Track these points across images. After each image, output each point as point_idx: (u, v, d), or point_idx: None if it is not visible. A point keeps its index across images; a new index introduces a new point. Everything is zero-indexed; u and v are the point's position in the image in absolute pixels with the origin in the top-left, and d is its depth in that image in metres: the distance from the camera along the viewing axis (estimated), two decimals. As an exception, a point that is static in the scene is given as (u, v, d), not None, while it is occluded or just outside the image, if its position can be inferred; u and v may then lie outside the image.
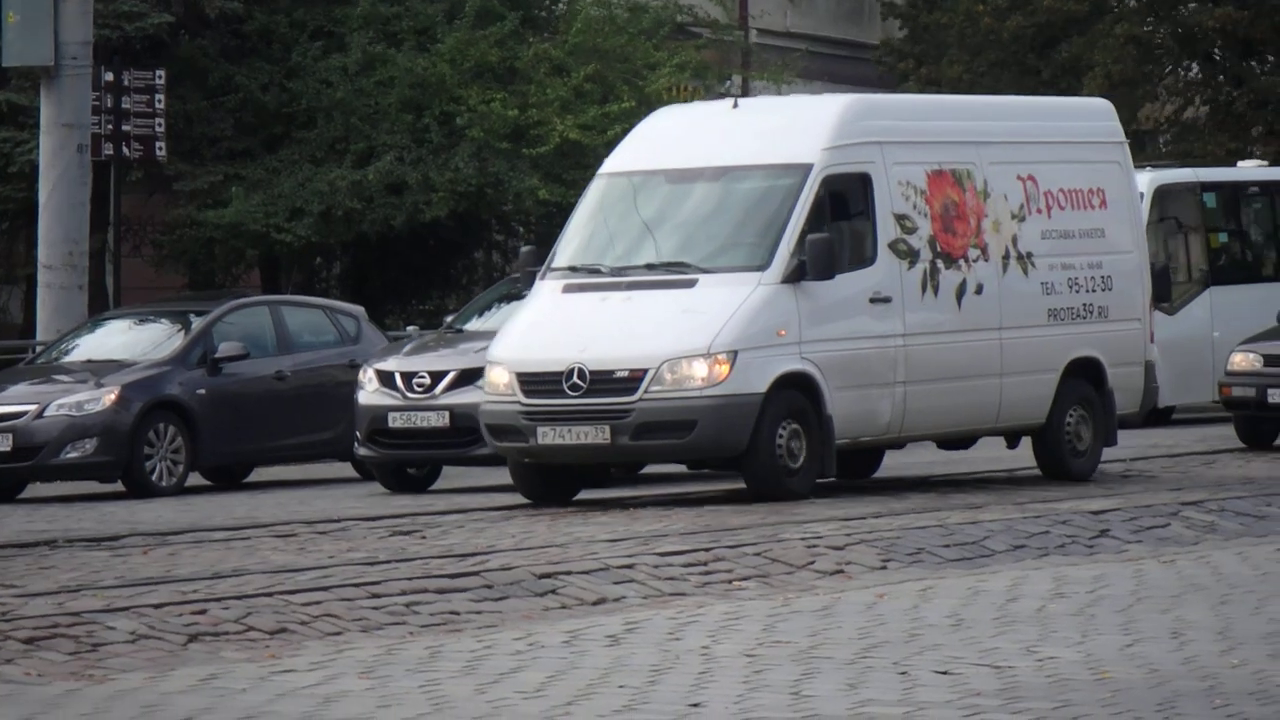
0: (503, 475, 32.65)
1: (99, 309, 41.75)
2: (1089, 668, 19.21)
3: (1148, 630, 21.00)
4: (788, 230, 29.91)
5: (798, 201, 30.09)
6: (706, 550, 26.30)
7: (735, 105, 33.58)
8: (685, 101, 59.44)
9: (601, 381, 29.39)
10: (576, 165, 54.98)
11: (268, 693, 18.64)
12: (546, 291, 31.27)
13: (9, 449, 34.35)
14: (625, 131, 55.56)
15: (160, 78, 47.82)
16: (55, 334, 39.58)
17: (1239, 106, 64.41)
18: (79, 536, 29.20)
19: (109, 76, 45.51)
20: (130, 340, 37.08)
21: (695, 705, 17.84)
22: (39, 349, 39.20)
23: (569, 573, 25.02)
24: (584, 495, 31.71)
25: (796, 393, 29.66)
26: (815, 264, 29.62)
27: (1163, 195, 47.32)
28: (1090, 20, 62.18)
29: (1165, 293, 45.22)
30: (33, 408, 34.21)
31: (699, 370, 29.14)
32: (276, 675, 19.53)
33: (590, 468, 31.73)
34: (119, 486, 35.15)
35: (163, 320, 37.90)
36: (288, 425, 31.87)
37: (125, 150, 46.40)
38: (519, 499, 32.33)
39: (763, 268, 29.92)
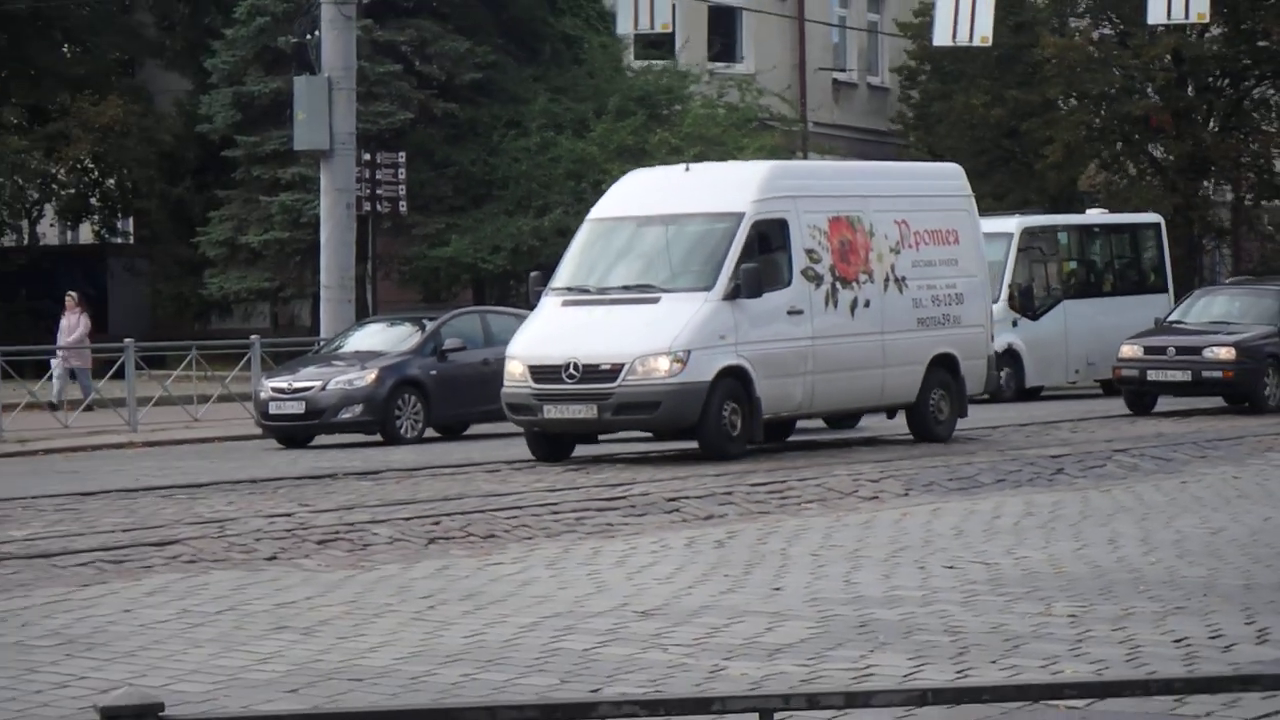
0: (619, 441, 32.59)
1: (361, 316, 41.74)
2: (1050, 564, 19.22)
3: (1091, 539, 20.97)
4: (726, 261, 29.66)
5: (733, 240, 29.87)
6: (782, 483, 26.40)
7: (687, 169, 33.10)
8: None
9: (590, 372, 29.20)
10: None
11: (483, 579, 18.75)
12: (550, 305, 30.84)
13: (302, 411, 34.50)
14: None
15: (402, 157, 47.85)
16: (332, 333, 39.61)
17: (1149, 174, 63.92)
18: (351, 471, 29.31)
19: (366, 156, 45.53)
20: (384, 337, 37.21)
21: (776, 589, 17.92)
22: (322, 343, 39.23)
23: (687, 498, 25.08)
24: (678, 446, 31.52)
25: (734, 381, 29.46)
26: (747, 286, 29.46)
27: (1029, 234, 46.98)
28: (1044, 109, 61.69)
29: (1029, 305, 45.60)
30: (318, 383, 34.35)
31: (662, 364, 29.07)
32: (488, 567, 19.60)
33: (582, 435, 30.97)
34: (378, 438, 35.14)
35: (406, 324, 37.98)
36: (491, 396, 31.71)
37: (378, 207, 46.43)
38: (640, 451, 32.13)
39: (708, 289, 29.64)
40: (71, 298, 45.83)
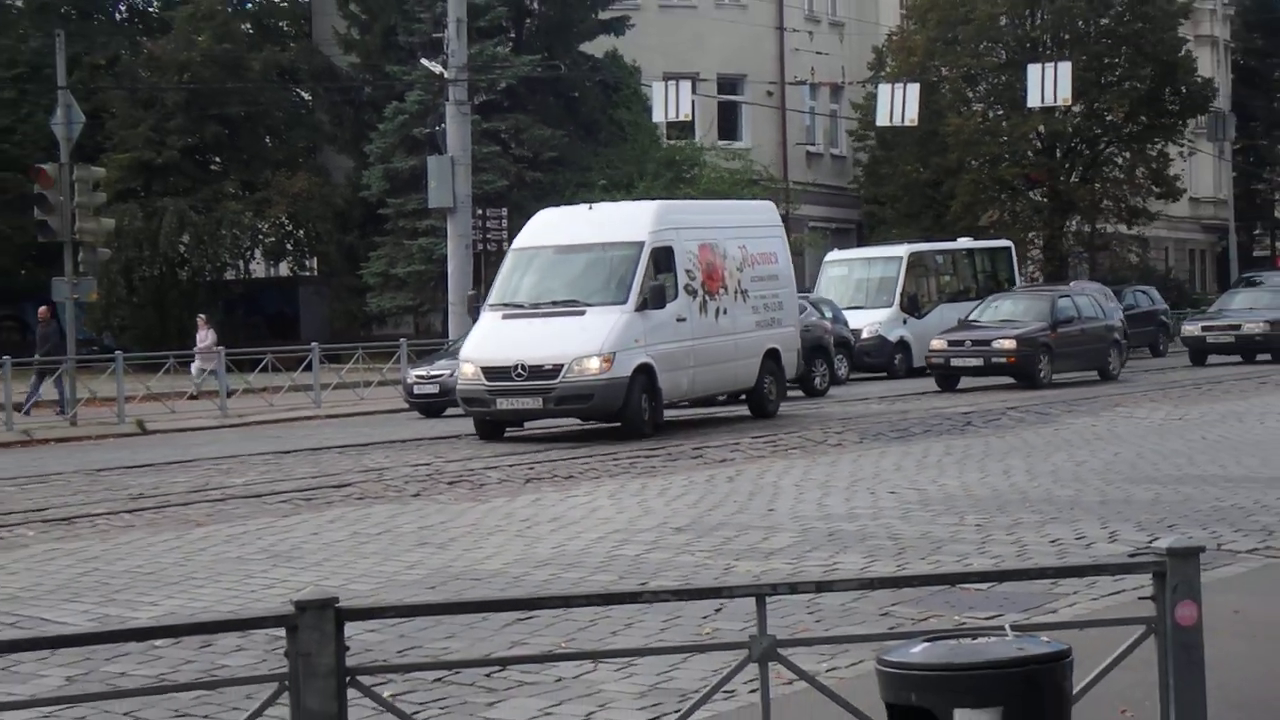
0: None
1: (475, 324, 41.61)
2: (963, 489, 19.16)
3: (991, 470, 20.91)
4: (635, 280, 27.40)
5: (638, 263, 27.57)
6: (772, 436, 26.36)
7: (591, 209, 30.44)
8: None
9: (535, 372, 26.66)
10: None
11: (564, 507, 18.71)
12: (492, 317, 28.11)
13: (437, 391, 34.15)
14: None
15: (504, 212, 47.56)
16: (457, 336, 39.44)
17: (1028, 214, 63.99)
18: (473, 433, 29.19)
19: (479, 211, 45.39)
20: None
21: (771, 510, 17.90)
22: (449, 343, 39.09)
23: (708, 448, 25.07)
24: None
25: (645, 375, 27.20)
26: (653, 300, 27.52)
27: (915, 256, 46.86)
28: (955, 170, 61.76)
29: (915, 307, 45.27)
30: (448, 371, 33.83)
31: (593, 364, 26.58)
32: (568, 498, 19.58)
33: (521, 420, 28.46)
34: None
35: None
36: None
37: (487, 247, 46.27)
38: (709, 417, 31.89)
39: (623, 303, 27.26)
40: (201, 318, 45.31)
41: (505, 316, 27.84)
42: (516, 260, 28.95)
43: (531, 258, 28.72)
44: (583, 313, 27.27)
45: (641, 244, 27.89)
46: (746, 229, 31.50)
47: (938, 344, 38.09)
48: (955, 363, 37.36)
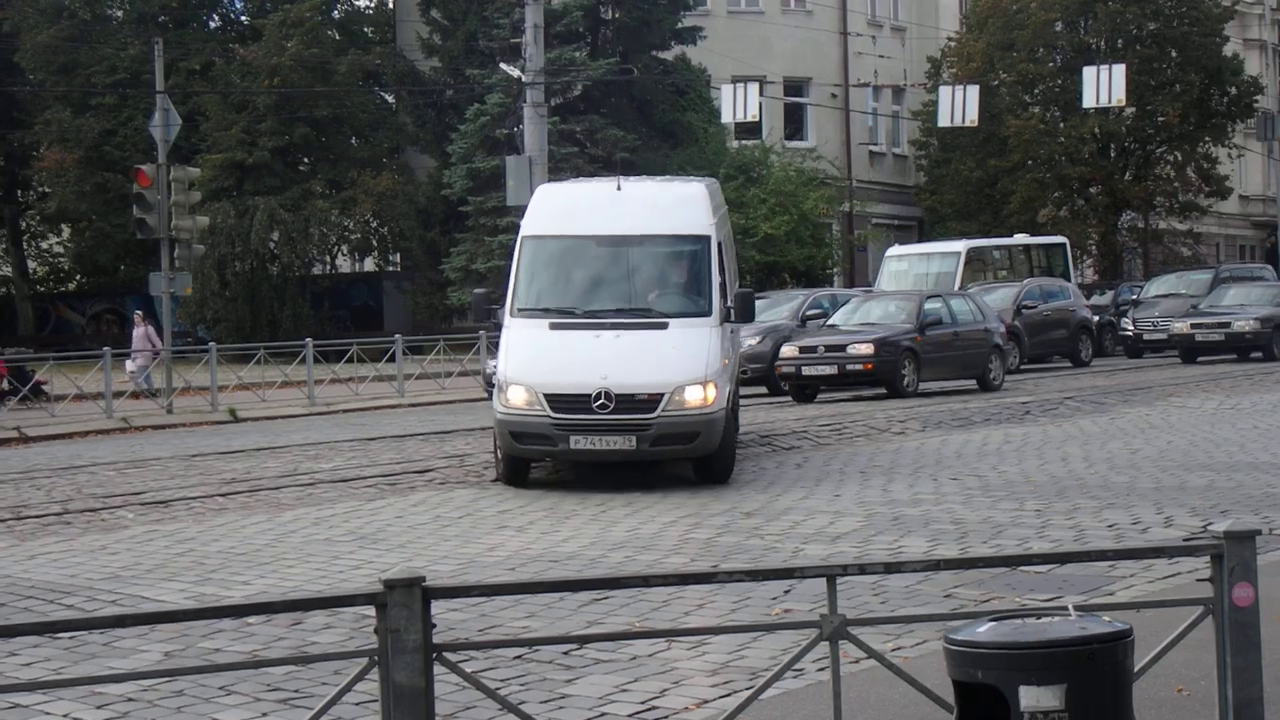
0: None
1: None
2: (1022, 475, 19.08)
3: (1050, 457, 20.80)
4: (713, 285, 20.31)
5: (710, 264, 20.51)
6: (839, 424, 26.19)
7: (619, 187, 21.75)
8: (824, 217, 59.47)
9: (626, 402, 18.93)
10: (770, 245, 54.91)
11: (639, 489, 18.69)
12: (531, 327, 20.11)
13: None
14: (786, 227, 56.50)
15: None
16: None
17: (1084, 211, 63.70)
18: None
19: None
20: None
21: (837, 495, 17.86)
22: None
23: (777, 435, 24.96)
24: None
25: (730, 406, 20.24)
26: (740, 311, 20.93)
27: (974, 252, 46.39)
28: (1014, 170, 61.54)
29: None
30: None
31: (696, 395, 19.09)
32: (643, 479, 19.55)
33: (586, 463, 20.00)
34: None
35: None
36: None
37: (564, 242, 46.15)
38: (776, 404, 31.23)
39: (707, 314, 20.04)
40: (138, 314, 42.78)
41: (555, 327, 20.12)
42: (536, 252, 21.00)
43: (560, 250, 21.12)
44: (664, 325, 20.03)
45: (707, 239, 20.83)
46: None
47: (789, 350, 32.01)
48: (807, 371, 31.45)
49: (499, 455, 20.57)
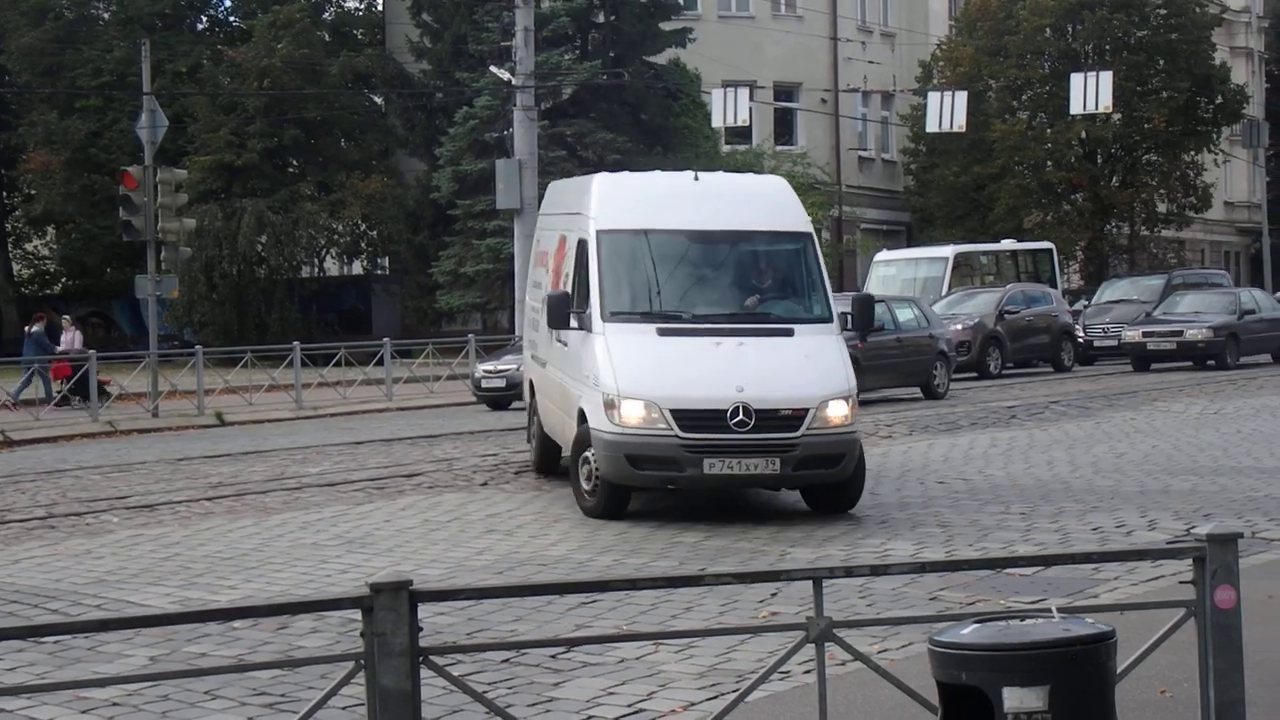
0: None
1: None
2: (1008, 479, 19.12)
3: (1035, 461, 20.86)
4: (828, 289, 18.17)
5: (818, 263, 18.18)
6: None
7: (697, 178, 18.96)
8: (815, 222, 59.40)
9: (767, 419, 16.21)
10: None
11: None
12: (632, 333, 17.17)
13: (504, 385, 33.94)
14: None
15: (567, 212, 47.38)
16: (523, 332, 39.40)
17: (1070, 217, 63.77)
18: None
19: (544, 212, 45.24)
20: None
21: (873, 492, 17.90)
22: (516, 338, 38.98)
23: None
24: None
25: None
26: (861, 317, 19.22)
27: (961, 258, 46.63)
28: (999, 176, 61.68)
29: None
30: (515, 366, 33.80)
31: (840, 410, 16.56)
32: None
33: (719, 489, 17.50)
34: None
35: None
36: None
37: (552, 246, 46.11)
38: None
39: (828, 320, 17.67)
40: (66, 319, 42.00)
41: (664, 333, 17.32)
42: (616, 248, 18.13)
43: (647, 246, 18.19)
44: (790, 333, 17.51)
45: (809, 236, 18.53)
46: None
47: None
48: None
49: (532, 459, 19.67)
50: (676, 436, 16.26)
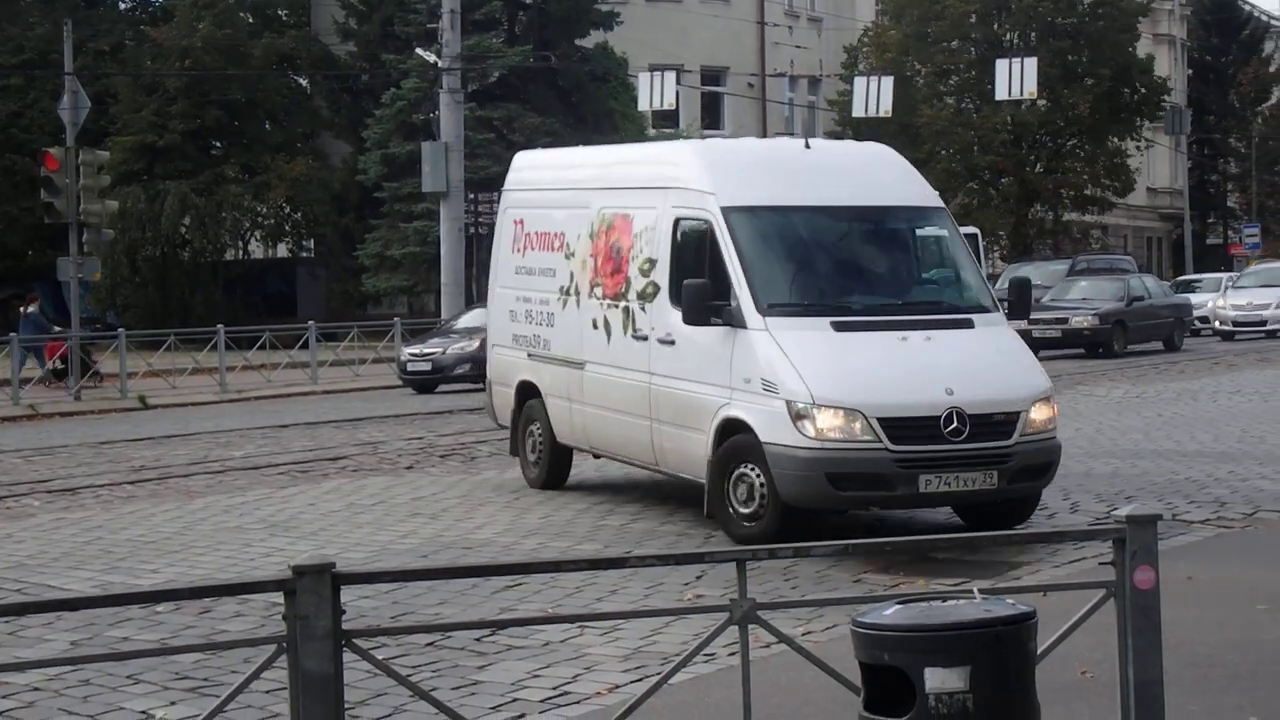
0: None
1: (469, 304, 41.41)
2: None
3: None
4: (983, 273, 16.58)
5: (961, 243, 15.94)
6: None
7: (808, 145, 16.14)
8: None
9: (982, 425, 13.79)
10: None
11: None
12: (803, 328, 14.26)
13: (430, 369, 34.14)
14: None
15: (496, 198, 47.24)
16: (449, 315, 39.37)
17: (996, 202, 64.15)
18: (462, 409, 29.19)
19: (471, 196, 45.13)
20: (485, 317, 36.95)
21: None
22: (442, 322, 38.94)
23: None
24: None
25: None
26: (1019, 304, 17.11)
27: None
28: (926, 161, 61.91)
29: None
30: (440, 350, 34.10)
31: (1045, 413, 14.34)
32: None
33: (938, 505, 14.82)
34: (481, 388, 35.07)
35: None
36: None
37: (479, 230, 46.02)
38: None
39: (992, 309, 15.33)
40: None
41: (840, 328, 14.47)
42: (752, 228, 15.07)
43: (789, 226, 15.28)
44: (970, 323, 15.03)
45: (946, 212, 16.33)
46: None
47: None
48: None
49: (531, 475, 17.94)
50: (887, 450, 13.65)
